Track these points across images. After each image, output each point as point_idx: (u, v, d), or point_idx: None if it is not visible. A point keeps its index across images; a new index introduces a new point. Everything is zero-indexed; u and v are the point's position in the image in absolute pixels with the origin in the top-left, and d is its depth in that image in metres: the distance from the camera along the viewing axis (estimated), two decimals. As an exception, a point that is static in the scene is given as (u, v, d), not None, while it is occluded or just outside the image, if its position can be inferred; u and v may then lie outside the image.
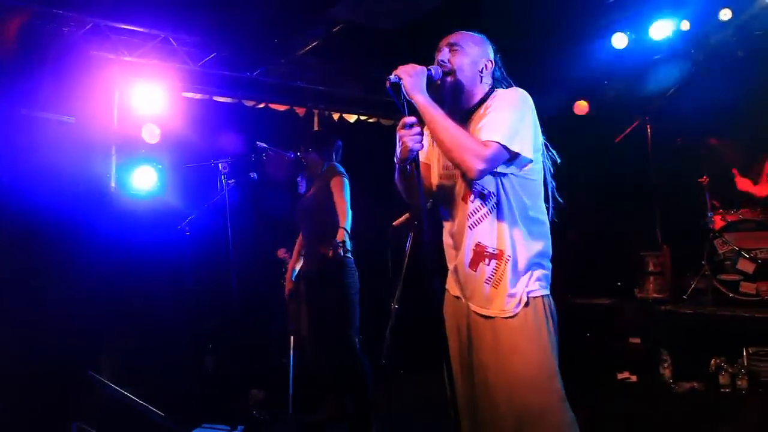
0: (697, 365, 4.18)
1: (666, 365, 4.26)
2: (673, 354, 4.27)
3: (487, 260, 1.82)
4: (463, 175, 1.83)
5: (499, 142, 1.72)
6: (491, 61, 1.94)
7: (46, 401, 3.21)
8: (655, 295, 4.79)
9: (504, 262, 1.80)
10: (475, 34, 1.96)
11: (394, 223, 2.55)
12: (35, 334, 3.65)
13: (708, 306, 4.47)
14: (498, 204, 1.81)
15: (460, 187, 1.88)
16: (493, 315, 1.83)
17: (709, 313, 4.32)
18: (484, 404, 1.85)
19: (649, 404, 3.86)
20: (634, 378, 4.42)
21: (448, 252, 1.97)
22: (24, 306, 3.65)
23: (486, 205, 1.82)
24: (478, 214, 1.83)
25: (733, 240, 4.53)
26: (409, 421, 3.59)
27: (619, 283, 5.11)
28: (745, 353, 3.95)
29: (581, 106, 5.75)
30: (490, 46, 1.98)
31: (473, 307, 1.88)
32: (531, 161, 1.82)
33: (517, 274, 1.80)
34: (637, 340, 4.58)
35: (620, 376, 4.44)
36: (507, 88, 1.96)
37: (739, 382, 3.90)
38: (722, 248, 4.57)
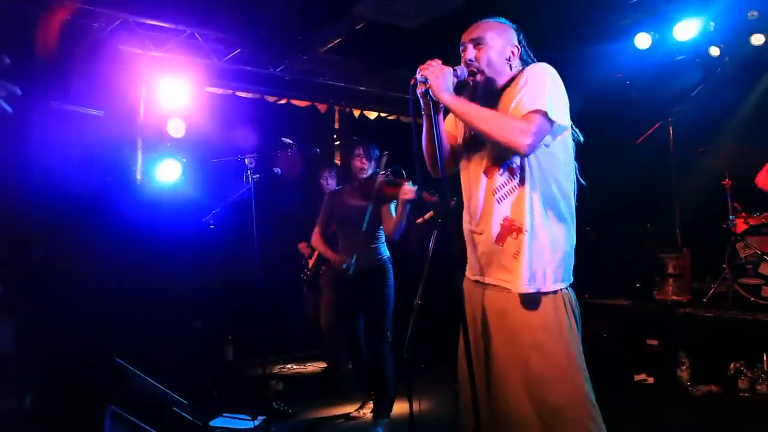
0: (716, 369, 4.15)
1: (684, 368, 4.23)
2: (691, 357, 4.24)
3: (514, 234, 1.80)
4: (492, 149, 1.83)
5: (541, 111, 1.72)
6: (517, 46, 1.92)
7: (77, 386, 3.29)
8: (674, 298, 4.75)
9: (531, 237, 1.78)
10: (496, 22, 1.93)
11: (417, 221, 2.59)
12: (63, 320, 3.75)
13: (728, 310, 4.42)
14: (525, 178, 1.79)
15: (487, 161, 1.86)
16: (509, 288, 1.81)
17: (729, 317, 4.28)
18: (502, 397, 1.84)
19: (666, 407, 3.84)
20: (651, 380, 4.40)
21: (470, 229, 1.94)
22: (52, 293, 3.76)
23: (514, 178, 1.81)
24: (506, 188, 1.82)
25: (756, 244, 4.47)
26: (429, 416, 3.62)
27: (638, 285, 5.07)
28: (765, 358, 3.91)
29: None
30: (514, 30, 1.95)
31: (490, 280, 1.87)
32: (566, 128, 1.82)
33: (538, 251, 1.78)
34: (655, 342, 4.56)
35: (637, 377, 4.43)
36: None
37: (758, 387, 3.87)
38: (744, 252, 4.52)
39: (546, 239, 1.80)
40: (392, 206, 3.39)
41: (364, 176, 3.51)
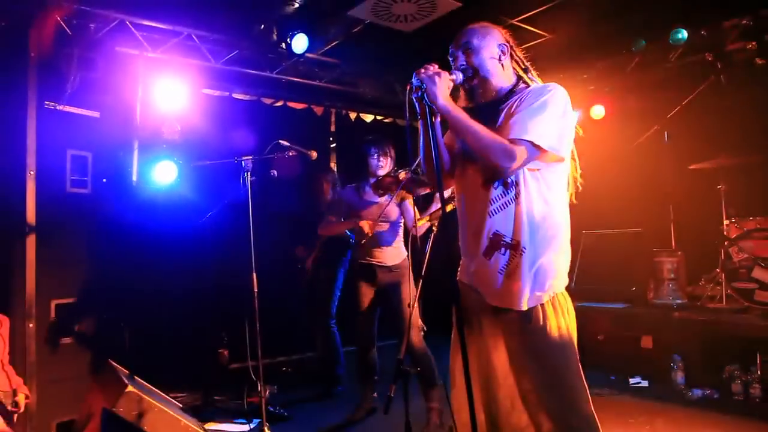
0: (710, 372, 4.18)
1: (678, 371, 4.26)
2: (685, 360, 4.27)
3: (502, 249, 1.81)
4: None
5: (529, 141, 1.73)
6: (505, 45, 1.95)
7: (74, 387, 3.29)
8: (668, 301, 4.78)
9: (519, 254, 1.79)
10: (480, 27, 1.96)
11: (414, 224, 2.59)
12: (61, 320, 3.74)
13: (722, 313, 4.45)
14: (520, 194, 1.80)
15: (483, 173, 1.87)
16: (506, 308, 1.81)
17: (723, 321, 4.31)
18: (497, 403, 1.85)
19: (661, 410, 3.85)
20: (645, 383, 4.42)
21: (464, 239, 1.96)
22: (48, 294, 3.74)
23: (508, 193, 1.81)
24: (499, 202, 1.82)
25: (749, 248, 4.51)
26: (425, 419, 3.62)
27: (633, 288, 5.10)
28: (758, 361, 3.94)
29: (597, 111, 5.74)
30: (498, 31, 1.97)
31: (487, 298, 1.87)
32: (562, 159, 1.82)
33: (532, 267, 1.78)
34: (650, 345, 4.58)
35: (632, 380, 4.45)
36: (524, 67, 1.96)
37: (752, 390, 3.90)
38: (737, 256, 4.55)
39: (542, 255, 1.80)
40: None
41: (382, 173, 3.56)
